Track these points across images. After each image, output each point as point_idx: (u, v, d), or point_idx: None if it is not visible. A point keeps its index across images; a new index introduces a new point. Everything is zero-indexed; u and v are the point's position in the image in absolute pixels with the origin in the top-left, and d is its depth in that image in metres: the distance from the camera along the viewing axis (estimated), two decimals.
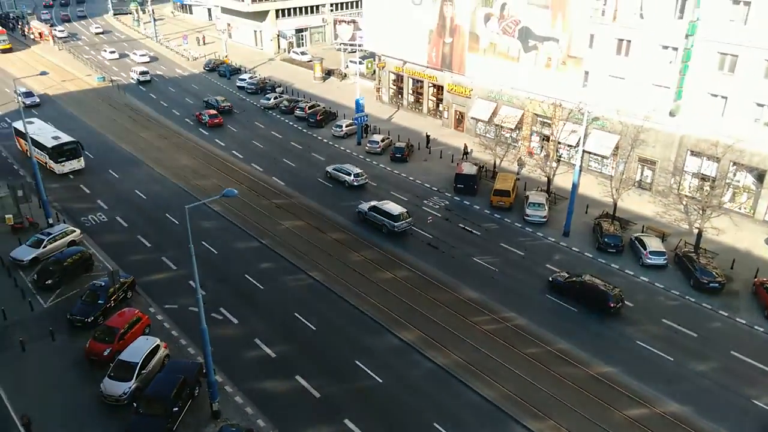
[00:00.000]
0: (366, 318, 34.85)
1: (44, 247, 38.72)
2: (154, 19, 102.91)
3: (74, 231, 41.30)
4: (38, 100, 68.71)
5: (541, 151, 54.48)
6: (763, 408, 29.09)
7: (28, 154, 46.86)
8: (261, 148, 59.43)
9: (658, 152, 48.09)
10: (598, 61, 49.94)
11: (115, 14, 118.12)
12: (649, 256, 39.71)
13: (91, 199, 48.06)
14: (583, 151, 46.15)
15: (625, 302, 35.98)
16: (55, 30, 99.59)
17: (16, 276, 36.82)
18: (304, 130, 64.12)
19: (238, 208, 46.35)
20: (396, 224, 42.82)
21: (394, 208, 43.75)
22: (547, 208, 45.51)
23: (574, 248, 42.55)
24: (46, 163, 51.21)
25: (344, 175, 51.25)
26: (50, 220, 42.83)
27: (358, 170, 51.47)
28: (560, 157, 51.77)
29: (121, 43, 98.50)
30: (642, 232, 43.57)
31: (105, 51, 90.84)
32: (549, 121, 52.98)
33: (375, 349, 32.39)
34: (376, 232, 43.92)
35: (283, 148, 59.23)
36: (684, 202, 41.55)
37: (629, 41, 47.96)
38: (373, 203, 44.99)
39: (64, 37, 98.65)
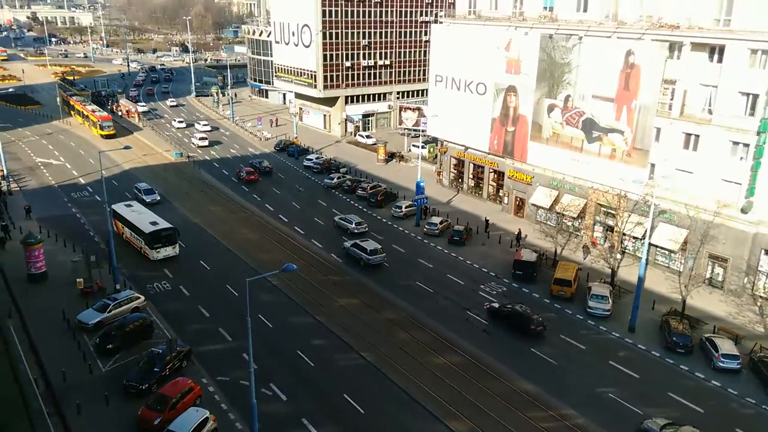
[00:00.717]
0: (416, 404, 33.82)
1: (109, 312, 40.07)
2: (232, 102, 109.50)
3: (139, 297, 42.70)
4: (158, 198, 64.52)
5: (605, 241, 53.24)
6: None
7: (125, 237, 52.65)
8: (321, 225, 60.70)
9: (730, 249, 46.04)
10: (664, 154, 49.26)
11: (196, 96, 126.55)
12: (722, 359, 37.23)
13: (158, 268, 49.83)
14: (650, 244, 44.80)
15: (697, 408, 33.52)
16: (138, 105, 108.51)
17: (80, 339, 38.05)
18: (365, 210, 65.31)
19: (296, 283, 46.94)
20: (371, 258, 50.59)
21: (370, 244, 51.86)
22: (611, 301, 43.89)
23: (639, 345, 40.48)
24: (141, 248, 51.32)
25: (347, 224, 58.43)
26: (117, 286, 44.54)
27: (359, 219, 59.39)
28: (625, 248, 50.38)
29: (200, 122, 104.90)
30: (713, 332, 41.13)
31: (174, 120, 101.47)
32: (613, 212, 52.05)
33: None
34: (431, 315, 43.33)
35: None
36: (759, 304, 39.24)
37: (697, 136, 47.30)
38: (354, 241, 52.91)
39: (146, 112, 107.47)
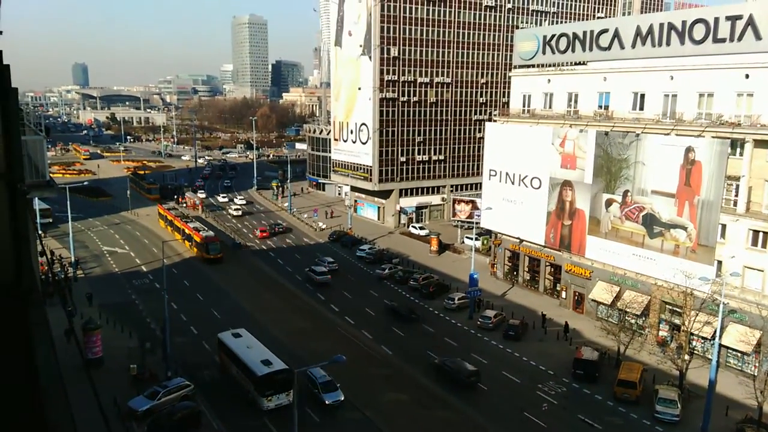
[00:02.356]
0: None
1: (159, 400, 40.02)
2: (291, 195, 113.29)
3: (189, 386, 42.58)
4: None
5: (672, 341, 50.34)
6: None
7: (234, 374, 44.06)
8: (372, 315, 60.08)
9: None
10: (731, 251, 47.23)
11: (257, 189, 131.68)
12: None
13: (210, 356, 49.91)
14: (720, 345, 42.03)
15: None
16: (199, 193, 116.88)
17: (129, 426, 37.88)
18: (417, 301, 64.49)
19: (345, 375, 45.88)
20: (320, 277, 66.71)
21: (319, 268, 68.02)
22: (680, 405, 40.82)
23: None
24: (248, 392, 41.66)
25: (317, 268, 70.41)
26: (169, 374, 44.67)
27: (330, 259, 74.65)
28: (693, 349, 47.40)
29: (259, 214, 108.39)
30: None
31: (234, 201, 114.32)
32: (680, 310, 49.52)
33: None
34: (485, 413, 41.20)
35: (395, 318, 59.42)
36: None
37: (766, 233, 45.36)
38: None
39: (203, 198, 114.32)
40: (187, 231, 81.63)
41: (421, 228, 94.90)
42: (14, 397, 4.23)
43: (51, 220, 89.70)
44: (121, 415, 38.98)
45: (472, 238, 77.26)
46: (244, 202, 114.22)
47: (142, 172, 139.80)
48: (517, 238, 68.44)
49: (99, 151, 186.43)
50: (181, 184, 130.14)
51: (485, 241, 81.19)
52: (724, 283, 44.28)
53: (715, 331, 41.31)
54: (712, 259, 48.62)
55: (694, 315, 44.96)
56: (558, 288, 64.21)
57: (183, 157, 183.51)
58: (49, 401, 4.02)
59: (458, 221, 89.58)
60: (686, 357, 44.36)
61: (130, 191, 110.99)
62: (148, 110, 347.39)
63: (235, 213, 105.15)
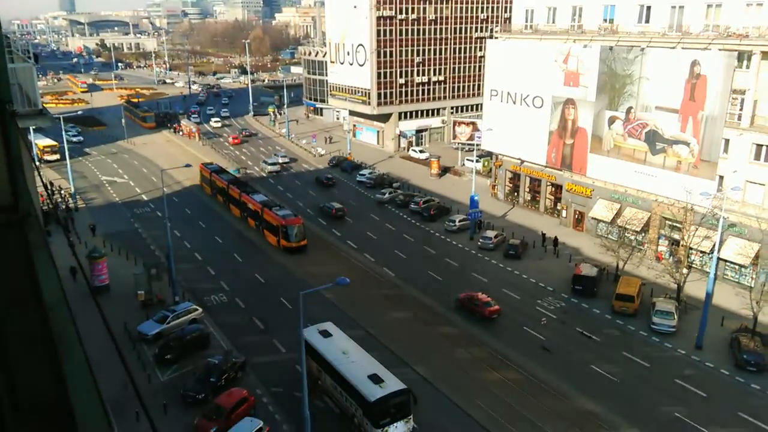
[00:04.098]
0: (472, 421, 32.92)
1: (168, 324, 40.97)
2: (288, 121, 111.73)
3: (197, 309, 43.54)
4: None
5: (671, 256, 51.02)
6: None
7: (319, 383, 34.78)
8: (374, 239, 60.65)
9: None
10: (734, 166, 46.99)
11: (254, 115, 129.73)
12: None
13: (216, 281, 50.77)
14: (718, 259, 42.59)
15: (763, 425, 31.45)
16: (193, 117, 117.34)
17: (140, 349, 38.98)
18: (418, 224, 64.92)
19: (348, 296, 46.85)
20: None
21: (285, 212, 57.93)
22: (676, 317, 41.85)
23: (707, 363, 38.38)
24: (352, 415, 31.97)
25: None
26: (177, 298, 45.56)
27: (339, 205, 67.18)
28: (692, 263, 48.09)
29: (257, 141, 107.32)
30: None
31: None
32: (679, 226, 49.89)
33: None
34: (486, 330, 42.36)
35: (396, 240, 60.05)
36: None
37: None
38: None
39: (198, 122, 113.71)
40: (251, 206, 62.11)
41: (421, 151, 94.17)
42: (20, 316, 4.22)
43: (59, 157, 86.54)
44: (132, 339, 40.05)
45: (472, 160, 76.84)
46: (287, 159, 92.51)
47: (136, 100, 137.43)
48: (518, 159, 68.01)
49: (95, 81, 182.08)
50: (176, 111, 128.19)
51: (486, 163, 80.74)
52: (725, 197, 44.39)
53: (714, 245, 41.72)
54: (714, 174, 48.48)
55: (694, 230, 45.31)
56: (558, 207, 64.42)
57: (176, 84, 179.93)
58: (54, 319, 4.00)
59: (459, 143, 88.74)
60: (684, 271, 45.06)
61: (125, 120, 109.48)
62: (138, 35, 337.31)
63: (271, 169, 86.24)
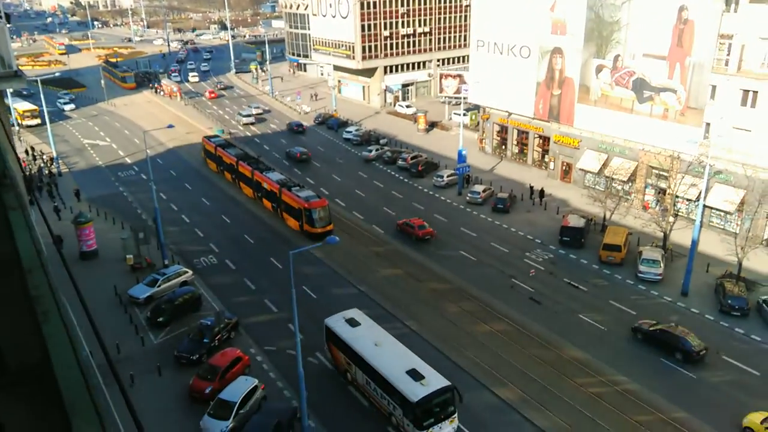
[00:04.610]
0: (462, 372, 33.53)
1: (159, 287, 40.96)
2: (271, 77, 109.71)
3: (187, 272, 43.51)
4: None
5: (657, 204, 51.37)
6: None
7: (350, 379, 32.12)
8: (363, 197, 60.47)
9: None
10: (720, 112, 46.89)
11: (236, 72, 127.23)
12: None
13: (204, 242, 50.63)
14: (704, 206, 42.96)
15: (753, 371, 32.36)
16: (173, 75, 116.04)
17: (132, 313, 39.06)
18: (406, 180, 64.72)
19: (339, 255, 46.97)
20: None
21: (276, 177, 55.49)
22: (662, 265, 42.42)
23: (693, 309, 39.13)
24: (389, 414, 29.34)
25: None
26: (166, 261, 45.45)
27: (304, 149, 70.99)
28: (678, 211, 48.49)
29: (240, 99, 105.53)
30: None
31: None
32: (666, 174, 50.09)
33: (471, 406, 30.87)
34: (476, 284, 42.79)
35: (385, 197, 59.94)
36: None
37: (756, 92, 44.80)
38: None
39: (178, 81, 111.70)
40: (266, 186, 55.30)
41: (407, 106, 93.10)
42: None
43: (39, 121, 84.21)
44: (123, 303, 40.07)
45: (460, 114, 76.22)
46: (260, 111, 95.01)
47: (114, 60, 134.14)
48: (506, 112, 67.46)
49: (72, 42, 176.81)
50: (156, 70, 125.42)
51: (473, 117, 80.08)
52: (711, 144, 44.49)
53: (700, 193, 41.99)
54: (701, 121, 48.43)
55: (680, 178, 45.52)
56: (546, 159, 64.33)
57: (154, 42, 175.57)
58: (32, 281, 3.91)
59: (446, 97, 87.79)
60: (671, 219, 45.46)
61: (105, 81, 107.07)
62: None
63: (246, 121, 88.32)
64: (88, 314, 5.79)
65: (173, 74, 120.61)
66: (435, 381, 28.31)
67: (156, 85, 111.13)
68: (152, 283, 41.21)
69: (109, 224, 53.08)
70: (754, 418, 28.78)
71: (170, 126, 54.69)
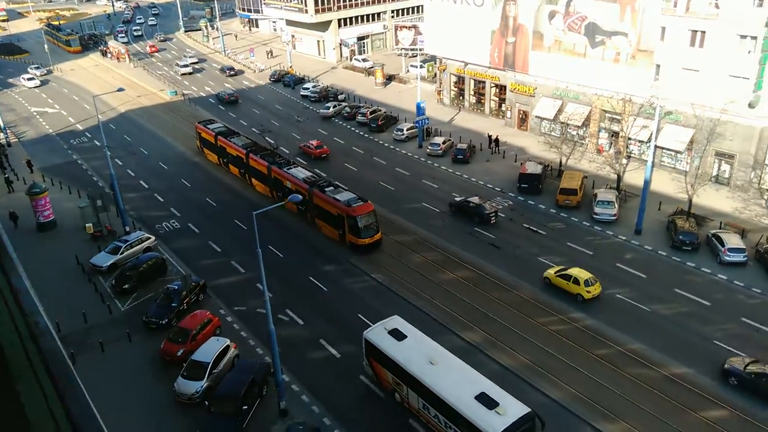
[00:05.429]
0: (428, 318, 34.63)
1: (121, 254, 40.61)
2: (222, 35, 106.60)
3: (149, 238, 43.17)
4: None
5: (611, 147, 52.72)
6: None
7: (400, 400, 28.37)
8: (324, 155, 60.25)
9: (737, 146, 45.53)
10: (670, 54, 47.88)
11: (185, 31, 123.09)
12: (728, 253, 37.66)
13: (165, 207, 50.08)
14: (656, 147, 44.32)
15: (704, 302, 34.39)
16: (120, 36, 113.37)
17: (96, 281, 38.78)
18: (366, 136, 64.64)
19: (301, 213, 47.08)
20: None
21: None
22: (617, 205, 43.92)
23: (646, 246, 40.87)
24: None
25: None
26: (127, 228, 44.96)
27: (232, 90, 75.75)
28: (631, 153, 49.90)
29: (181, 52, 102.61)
30: (720, 228, 41.35)
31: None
32: (618, 117, 51.26)
33: None
34: (438, 234, 43.66)
35: (346, 154, 59.89)
36: (766, 197, 39.19)
37: (704, 32, 45.76)
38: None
39: (126, 42, 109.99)
40: (289, 185, 46.97)
41: (364, 60, 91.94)
42: None
43: None
44: (86, 272, 39.69)
45: (416, 67, 75.85)
46: (195, 60, 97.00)
47: (57, 23, 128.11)
48: (462, 62, 67.41)
49: (11, 6, 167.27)
50: (102, 32, 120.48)
51: (430, 68, 79.76)
52: (661, 86, 45.57)
53: (651, 134, 43.23)
54: (651, 63, 49.39)
55: (632, 120, 46.69)
56: (503, 108, 64.90)
57: (98, 2, 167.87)
58: None
59: (402, 49, 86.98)
60: (624, 161, 46.82)
61: (48, 45, 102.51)
62: None
63: (183, 71, 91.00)
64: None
65: (120, 35, 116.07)
66: (512, 408, 24.45)
67: (103, 48, 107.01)
68: (115, 251, 40.83)
69: (65, 193, 51.93)
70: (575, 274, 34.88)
71: (120, 89, 52.96)
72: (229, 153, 54.84)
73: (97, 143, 62.38)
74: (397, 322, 30.30)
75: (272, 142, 53.93)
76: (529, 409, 24.58)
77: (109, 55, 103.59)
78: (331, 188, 44.54)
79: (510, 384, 28.37)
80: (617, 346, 31.80)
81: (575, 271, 36.01)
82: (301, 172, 47.70)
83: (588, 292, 35.18)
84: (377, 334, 29.44)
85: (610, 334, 32.78)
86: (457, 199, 47.14)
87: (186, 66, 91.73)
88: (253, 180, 52.11)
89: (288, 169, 48.32)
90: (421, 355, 27.72)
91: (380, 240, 42.13)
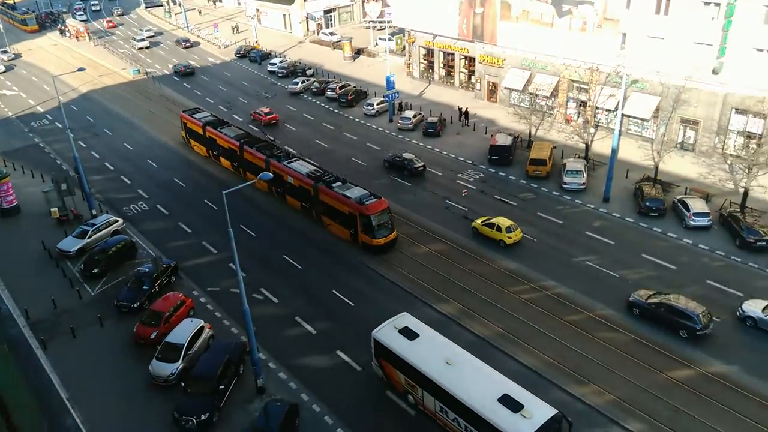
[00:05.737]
0: (403, 292, 34.87)
1: (89, 238, 39.85)
2: (185, 10, 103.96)
3: (117, 221, 42.40)
4: None
5: (579, 117, 53.16)
6: None
7: (414, 402, 26.95)
8: (294, 131, 59.64)
9: (701, 112, 46.30)
10: (635, 22, 48.17)
11: (146, 7, 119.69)
12: (693, 217, 38.53)
13: (132, 189, 49.17)
14: (623, 115, 44.80)
15: (670, 266, 35.23)
16: (78, 14, 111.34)
17: (64, 266, 38.03)
18: (336, 111, 64.04)
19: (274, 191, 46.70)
20: None
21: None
22: (585, 174, 44.47)
23: (614, 213, 41.57)
24: None
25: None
26: (94, 212, 44.05)
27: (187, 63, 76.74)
28: (598, 122, 50.37)
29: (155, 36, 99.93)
30: (685, 194, 42.22)
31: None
32: (586, 87, 51.60)
33: None
34: (411, 208, 43.74)
35: (316, 130, 59.34)
36: (729, 162, 40.07)
37: (668, 0, 46.09)
38: None
39: (85, 20, 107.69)
40: (291, 181, 43.80)
41: (332, 34, 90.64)
42: None
43: None
44: (53, 257, 38.90)
45: (385, 39, 75.05)
46: (151, 33, 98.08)
47: (11, 1, 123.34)
48: (431, 34, 66.90)
49: None
50: (60, 10, 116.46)
51: (399, 41, 79.04)
52: (627, 54, 45.89)
53: (618, 102, 43.65)
54: (618, 32, 49.65)
55: (600, 89, 47.05)
56: (473, 80, 64.79)
57: None
58: None
59: (369, 22, 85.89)
60: (591, 130, 47.28)
61: (3, 24, 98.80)
62: None
63: (140, 45, 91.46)
64: None
65: (78, 13, 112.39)
66: (537, 410, 22.99)
67: (62, 27, 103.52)
68: (82, 235, 40.05)
69: (27, 178, 50.59)
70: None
71: (81, 69, 51.36)
72: (219, 145, 50.83)
73: (59, 125, 60.72)
74: (406, 319, 28.66)
75: (271, 138, 53.61)
76: (555, 411, 23.25)
77: (68, 34, 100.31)
78: (339, 183, 40.88)
79: (484, 353, 28.71)
80: (588, 312, 32.51)
81: (499, 220, 39.03)
82: (303, 166, 43.97)
83: (509, 238, 38.07)
84: (387, 333, 27.70)
85: (580, 300, 33.39)
86: (389, 155, 50.57)
87: (143, 40, 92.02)
88: (248, 175, 47.68)
89: (289, 162, 44.71)
90: (436, 354, 26.12)
91: (395, 239, 38.93)
